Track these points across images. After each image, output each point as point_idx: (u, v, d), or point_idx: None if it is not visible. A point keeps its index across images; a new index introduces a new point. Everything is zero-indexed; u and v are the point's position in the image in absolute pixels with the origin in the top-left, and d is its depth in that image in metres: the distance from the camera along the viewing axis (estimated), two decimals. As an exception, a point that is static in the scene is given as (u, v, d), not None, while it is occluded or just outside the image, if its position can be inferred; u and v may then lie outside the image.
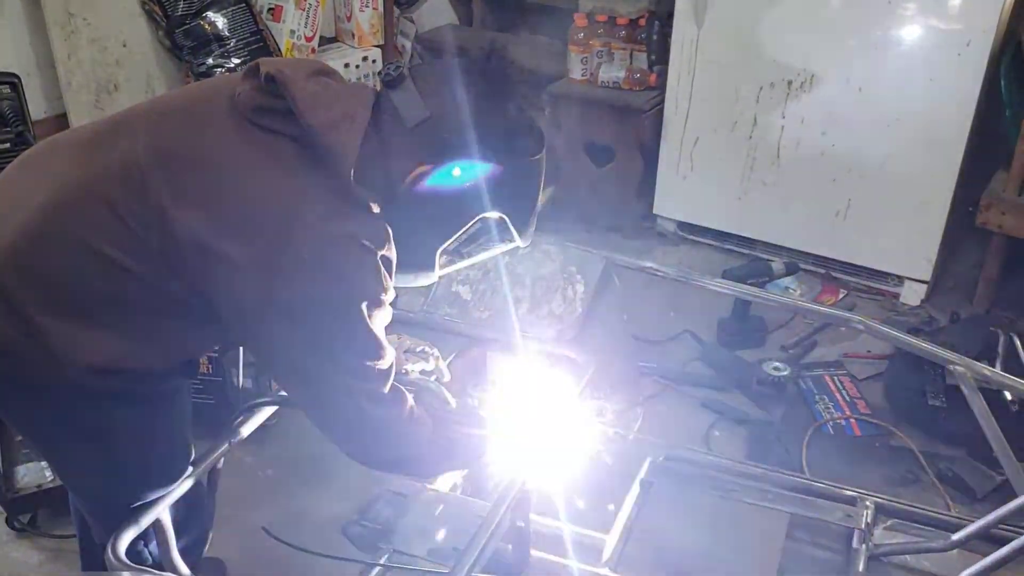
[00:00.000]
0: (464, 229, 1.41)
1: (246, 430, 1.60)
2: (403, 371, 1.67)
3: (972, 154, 2.95)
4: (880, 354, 2.85)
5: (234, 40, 3.28)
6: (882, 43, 2.92)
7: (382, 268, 1.33)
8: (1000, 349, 2.53)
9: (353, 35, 3.81)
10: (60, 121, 3.06)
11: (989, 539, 1.60)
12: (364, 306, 1.31)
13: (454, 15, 4.41)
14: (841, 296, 3.23)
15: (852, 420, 2.61)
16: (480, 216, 1.40)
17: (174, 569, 1.46)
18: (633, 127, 3.44)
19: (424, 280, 1.50)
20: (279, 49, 3.42)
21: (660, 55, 3.42)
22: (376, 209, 1.37)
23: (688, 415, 2.63)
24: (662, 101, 3.40)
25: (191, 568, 1.49)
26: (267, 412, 1.64)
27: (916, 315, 3.10)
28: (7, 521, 2.22)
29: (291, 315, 1.29)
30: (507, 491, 1.44)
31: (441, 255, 1.45)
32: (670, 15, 3.29)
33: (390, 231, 1.36)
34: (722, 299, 2.91)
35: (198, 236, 1.27)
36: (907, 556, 1.73)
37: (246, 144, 1.32)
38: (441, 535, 1.64)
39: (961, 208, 3.05)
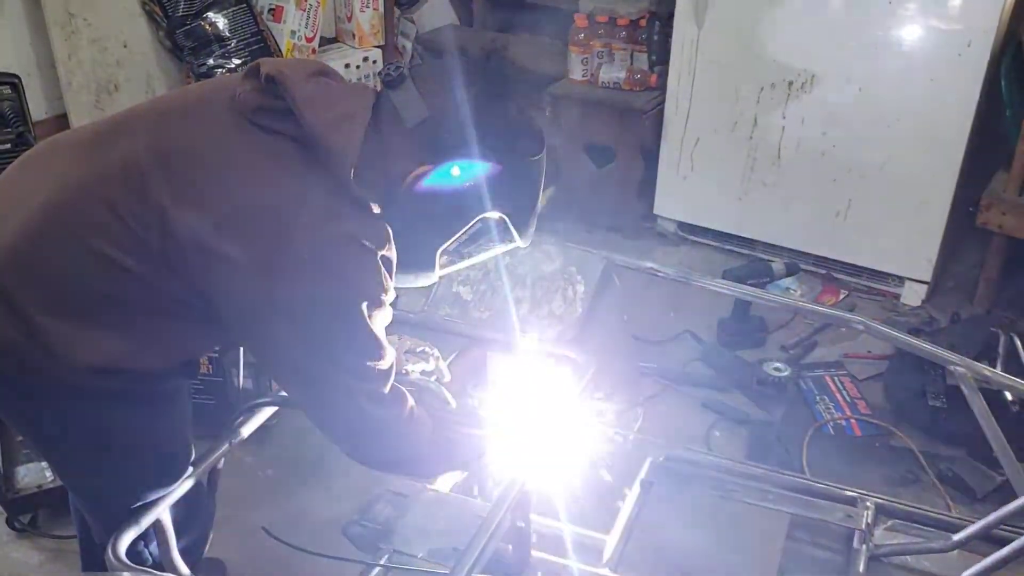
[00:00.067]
0: (464, 229, 1.41)
1: (246, 430, 1.60)
2: (403, 371, 1.67)
3: (972, 154, 2.95)
4: (880, 354, 2.85)
5: (235, 41, 3.28)
6: (883, 43, 2.92)
7: (382, 268, 1.33)
8: (1000, 349, 2.53)
9: (353, 35, 3.81)
10: (60, 121, 3.06)
11: (990, 540, 1.60)
12: (364, 306, 1.31)
13: (455, 15, 4.41)
14: (841, 296, 3.23)
15: (852, 420, 2.61)
16: (480, 216, 1.40)
17: (174, 569, 1.45)
18: (633, 128, 3.44)
19: (424, 280, 1.50)
20: (280, 50, 3.42)
21: (661, 56, 3.42)
22: (376, 209, 1.37)
23: (688, 415, 2.63)
24: (662, 102, 3.40)
25: (191, 568, 1.49)
26: (267, 412, 1.64)
27: (916, 315, 3.10)
28: (7, 521, 2.22)
29: (291, 315, 1.29)
30: (507, 491, 1.44)
31: (441, 255, 1.45)
32: (670, 16, 3.29)
33: (390, 231, 1.36)
34: (722, 299, 2.91)
35: (198, 236, 1.27)
36: (907, 556, 1.73)
37: (246, 144, 1.32)
38: (441, 535, 1.64)
39: (961, 208, 3.05)
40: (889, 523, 1.79)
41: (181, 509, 1.53)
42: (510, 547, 1.56)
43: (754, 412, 2.63)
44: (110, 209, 1.29)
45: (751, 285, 2.68)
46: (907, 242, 3.12)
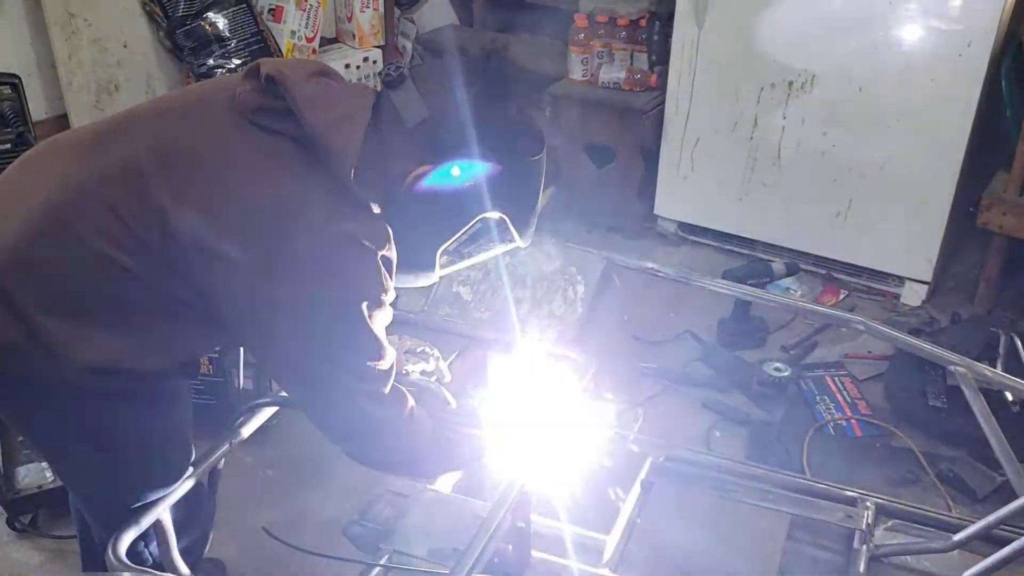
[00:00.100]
0: (464, 229, 1.41)
1: (247, 430, 1.60)
2: (404, 372, 1.67)
3: (973, 154, 2.95)
4: (881, 355, 2.85)
5: (235, 41, 3.28)
6: (883, 43, 2.92)
7: (382, 268, 1.33)
8: (1001, 349, 2.53)
9: (354, 36, 3.81)
10: (61, 122, 3.06)
11: (990, 540, 1.60)
12: (364, 306, 1.31)
13: (455, 16, 4.41)
14: (842, 297, 3.23)
15: (853, 421, 2.60)
16: (480, 216, 1.40)
17: (174, 570, 1.45)
18: (634, 128, 3.44)
19: (424, 280, 1.50)
20: (280, 50, 3.42)
21: (661, 56, 3.42)
22: (376, 209, 1.37)
23: (689, 415, 2.63)
24: (663, 102, 3.40)
25: (191, 568, 1.49)
26: (268, 413, 1.64)
27: (917, 316, 3.10)
28: (8, 522, 2.22)
29: (291, 315, 1.29)
30: (507, 492, 1.44)
31: (441, 255, 1.45)
32: (671, 16, 3.29)
33: (390, 231, 1.36)
34: (723, 300, 2.91)
35: (198, 236, 1.27)
36: (908, 557, 1.73)
37: (246, 145, 1.32)
38: (441, 535, 1.64)
39: (962, 208, 3.05)
40: (889, 523, 1.79)
41: (181, 509, 1.53)
42: (510, 547, 1.56)
43: (754, 412, 2.63)
44: (110, 209, 1.29)
45: (751, 285, 2.68)
46: (907, 242, 3.12)
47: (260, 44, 3.34)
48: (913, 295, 3.17)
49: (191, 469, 1.52)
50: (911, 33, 2.88)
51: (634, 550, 1.68)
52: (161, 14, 3.19)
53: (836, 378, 2.76)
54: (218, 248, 1.27)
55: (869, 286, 3.25)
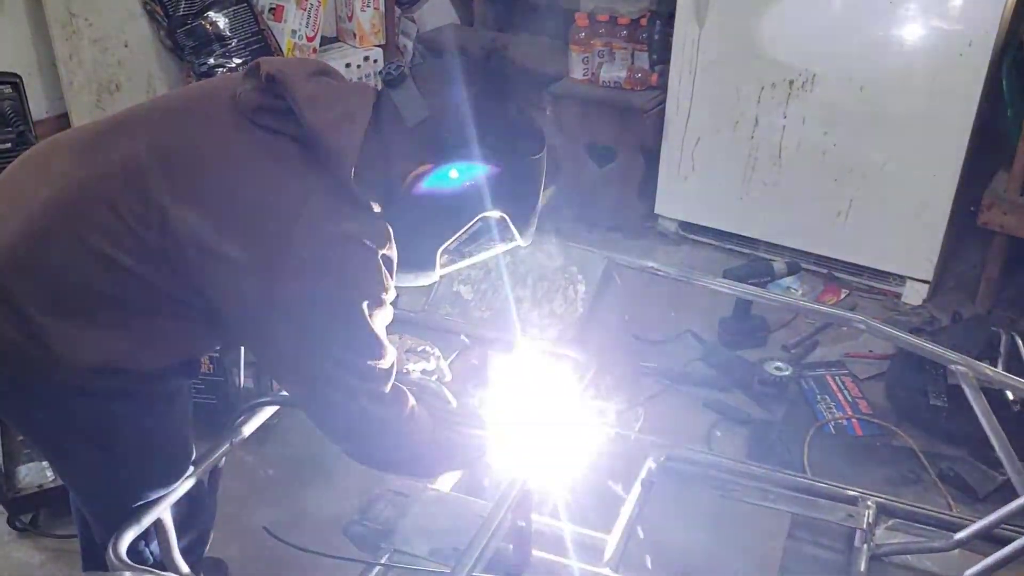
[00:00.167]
0: (465, 229, 1.41)
1: (247, 430, 1.60)
2: (404, 371, 1.67)
3: (973, 154, 2.95)
4: (882, 354, 2.85)
5: (235, 40, 3.28)
6: (884, 43, 2.92)
7: (383, 267, 1.33)
8: (1002, 349, 2.53)
9: (354, 35, 3.81)
10: (61, 121, 3.06)
11: (991, 539, 1.60)
12: (365, 305, 1.31)
13: (455, 15, 4.41)
14: (843, 296, 3.23)
15: (854, 420, 2.60)
16: (481, 216, 1.40)
17: (175, 569, 1.45)
18: (634, 127, 3.44)
19: (425, 279, 1.50)
20: (280, 49, 3.42)
21: (661, 55, 3.42)
22: (377, 208, 1.37)
23: (689, 415, 2.63)
24: (663, 101, 3.40)
25: (192, 567, 1.49)
26: (268, 412, 1.64)
27: (918, 315, 3.10)
28: (9, 521, 2.22)
29: (292, 314, 1.29)
30: (508, 491, 1.44)
31: (442, 254, 1.45)
32: (671, 15, 3.29)
33: (391, 230, 1.36)
34: (723, 299, 2.91)
35: (199, 236, 1.27)
36: (909, 556, 1.73)
37: (247, 144, 1.32)
38: (442, 535, 1.64)
39: (963, 208, 3.05)
40: (890, 522, 1.79)
41: (182, 508, 1.53)
42: (511, 547, 1.56)
43: (755, 412, 2.63)
44: (111, 209, 1.29)
45: (752, 284, 2.68)
46: (908, 241, 3.12)
47: (261, 43, 3.33)
48: (914, 294, 3.16)
49: (192, 468, 1.52)
50: (912, 33, 2.88)
51: (635, 549, 1.68)
52: (162, 13, 3.19)
53: (837, 377, 2.76)
54: (218, 248, 1.27)
55: (870, 285, 3.25)
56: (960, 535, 1.64)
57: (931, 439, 2.51)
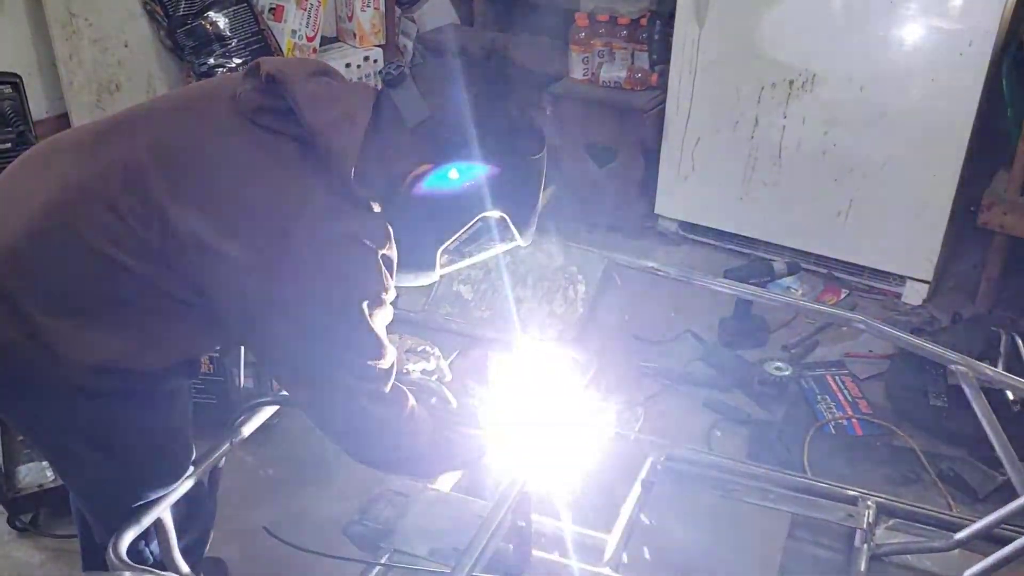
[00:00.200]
0: (465, 228, 1.41)
1: (247, 429, 1.60)
2: (404, 371, 1.67)
3: (973, 154, 2.94)
4: (882, 354, 2.85)
5: (235, 40, 3.28)
6: (884, 43, 2.92)
7: (383, 267, 1.33)
8: (1002, 349, 2.53)
9: (354, 35, 3.81)
10: (61, 121, 3.06)
11: (991, 539, 1.60)
12: (365, 305, 1.31)
13: (455, 15, 4.41)
14: (843, 296, 3.23)
15: (854, 420, 2.60)
16: (481, 215, 1.40)
17: (175, 568, 1.46)
18: (634, 127, 3.44)
19: (425, 279, 1.50)
20: (280, 49, 3.42)
21: (661, 55, 3.42)
22: (377, 208, 1.37)
23: (689, 415, 2.63)
24: (663, 101, 3.39)
25: (192, 567, 1.49)
26: (268, 412, 1.64)
27: (918, 315, 3.10)
28: (9, 521, 2.22)
29: (292, 314, 1.29)
30: (508, 491, 1.44)
31: (442, 254, 1.45)
32: (671, 15, 3.28)
33: (391, 230, 1.36)
34: (724, 299, 2.90)
35: (199, 236, 1.27)
36: (909, 556, 1.73)
37: (247, 144, 1.32)
38: (442, 535, 1.64)
39: (963, 208, 3.05)
40: (890, 522, 1.80)
41: (182, 508, 1.53)
42: (511, 546, 1.56)
43: (755, 412, 2.63)
44: (111, 209, 1.29)
45: (752, 284, 2.68)
46: (908, 241, 3.11)
47: (261, 43, 3.33)
48: (914, 294, 3.16)
49: (192, 468, 1.52)
50: (912, 32, 2.88)
51: (635, 549, 1.68)
52: (162, 13, 3.19)
53: (837, 377, 2.76)
54: (218, 248, 1.27)
55: (870, 285, 3.25)
56: (960, 535, 1.65)
57: (931, 439, 2.51)
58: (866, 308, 3.13)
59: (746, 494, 1.83)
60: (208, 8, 3.23)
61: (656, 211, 3.56)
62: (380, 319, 1.35)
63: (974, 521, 1.64)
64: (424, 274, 1.48)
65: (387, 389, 1.39)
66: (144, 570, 1.33)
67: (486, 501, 1.69)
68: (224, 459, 1.60)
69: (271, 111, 1.33)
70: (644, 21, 3.44)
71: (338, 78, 1.45)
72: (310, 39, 3.56)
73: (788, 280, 3.17)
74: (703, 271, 2.54)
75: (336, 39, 3.87)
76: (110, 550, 1.35)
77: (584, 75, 3.55)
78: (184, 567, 1.46)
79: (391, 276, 1.36)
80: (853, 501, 1.81)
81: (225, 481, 1.68)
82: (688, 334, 2.95)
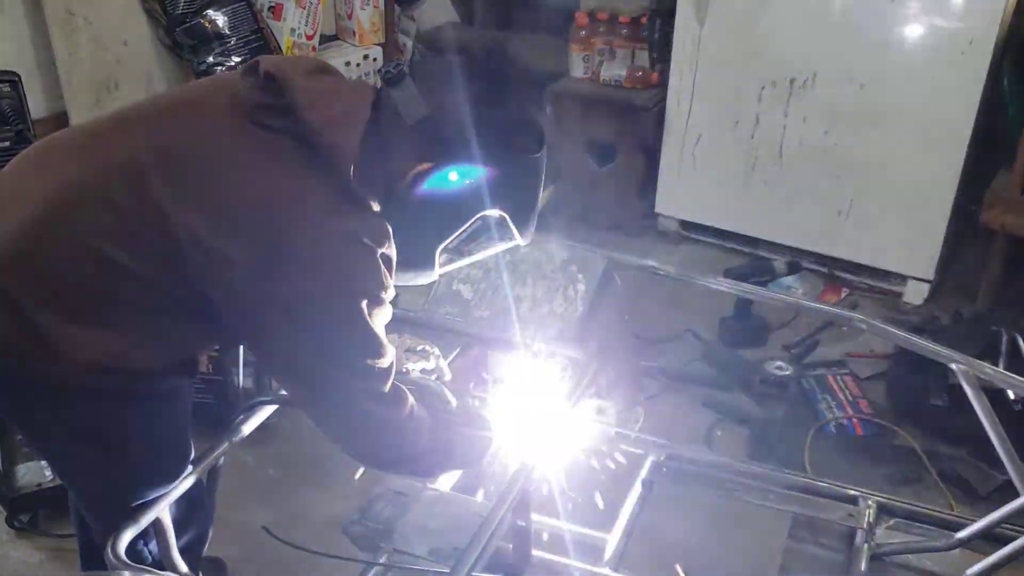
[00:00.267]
0: (464, 227, 1.41)
1: (246, 429, 1.60)
2: (404, 370, 1.66)
3: (975, 153, 2.94)
4: (882, 353, 2.85)
5: (235, 38, 3.28)
6: (884, 42, 2.92)
7: (382, 266, 1.33)
8: (1003, 348, 2.52)
9: (354, 33, 3.81)
10: (60, 120, 3.06)
11: (992, 538, 1.60)
12: (364, 304, 1.30)
13: (455, 13, 4.40)
14: (843, 295, 3.23)
15: (854, 419, 2.60)
16: (480, 214, 1.40)
17: (174, 568, 1.45)
18: (635, 125, 3.44)
19: (424, 278, 1.50)
20: (280, 47, 3.42)
21: (662, 53, 3.42)
22: (376, 207, 1.37)
23: (690, 414, 2.63)
24: (664, 99, 3.39)
25: (191, 567, 1.49)
26: (268, 411, 1.64)
27: (919, 314, 3.10)
28: (7, 520, 2.22)
29: (291, 314, 1.28)
30: (508, 491, 1.44)
31: (441, 253, 1.44)
32: (672, 13, 3.28)
33: (390, 229, 1.35)
34: (724, 298, 2.90)
35: (198, 235, 1.26)
36: (909, 555, 1.72)
37: (246, 142, 1.32)
38: (442, 534, 1.63)
39: (963, 207, 3.05)
40: (891, 522, 1.79)
41: (181, 508, 1.53)
42: (511, 546, 1.56)
43: (756, 411, 2.62)
44: (109, 208, 1.28)
45: (753, 284, 2.67)
46: (909, 241, 3.11)
47: (260, 41, 3.33)
48: (915, 293, 3.16)
49: (191, 468, 1.52)
50: (913, 31, 2.88)
51: (635, 549, 1.67)
52: (161, 11, 3.19)
53: (838, 377, 2.76)
54: (217, 247, 1.26)
55: (871, 284, 3.24)
56: (961, 534, 1.64)
57: (932, 438, 2.51)
58: (867, 307, 3.13)
59: (746, 494, 1.83)
60: (207, 6, 3.23)
61: (656, 210, 3.56)
62: (379, 318, 1.34)
63: (975, 520, 1.64)
64: (423, 273, 1.48)
65: (386, 388, 1.38)
66: (143, 570, 1.33)
67: (486, 501, 1.69)
68: (223, 459, 1.60)
69: (270, 109, 1.32)
70: (645, 19, 3.43)
71: (337, 76, 1.45)
72: (309, 37, 3.55)
73: (789, 279, 3.17)
74: (703, 270, 2.54)
75: (335, 37, 3.87)
76: (109, 550, 1.34)
77: (584, 73, 3.54)
78: (183, 567, 1.46)
79: (390, 275, 1.35)
80: (854, 501, 1.81)
81: (224, 481, 1.68)
82: (688, 333, 2.95)
